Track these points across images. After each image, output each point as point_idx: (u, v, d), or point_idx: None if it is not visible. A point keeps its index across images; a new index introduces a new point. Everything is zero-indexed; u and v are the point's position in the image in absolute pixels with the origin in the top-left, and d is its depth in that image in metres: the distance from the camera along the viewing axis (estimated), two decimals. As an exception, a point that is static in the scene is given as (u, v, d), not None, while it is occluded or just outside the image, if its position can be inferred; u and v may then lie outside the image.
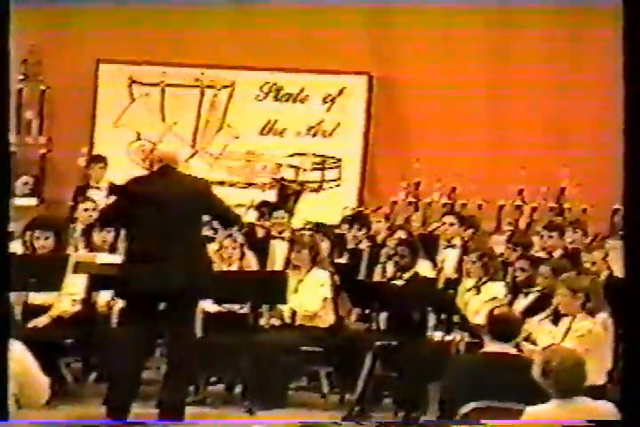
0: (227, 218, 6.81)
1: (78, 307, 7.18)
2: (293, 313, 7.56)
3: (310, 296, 7.58)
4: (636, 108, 4.11)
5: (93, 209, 8.52)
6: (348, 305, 7.90)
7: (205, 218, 6.98)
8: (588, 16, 10.76)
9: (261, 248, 8.65)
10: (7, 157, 4.20)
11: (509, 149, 10.98)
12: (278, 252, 8.63)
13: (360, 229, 9.03)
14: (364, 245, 8.85)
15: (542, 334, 6.31)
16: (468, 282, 7.65)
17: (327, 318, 7.59)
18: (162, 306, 6.45)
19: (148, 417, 6.31)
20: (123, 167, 10.74)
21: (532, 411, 4.66)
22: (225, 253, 7.96)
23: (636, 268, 4.04)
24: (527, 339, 6.15)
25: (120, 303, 7.13)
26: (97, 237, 7.78)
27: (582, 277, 6.50)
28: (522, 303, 7.08)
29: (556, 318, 6.40)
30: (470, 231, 8.97)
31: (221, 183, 11.13)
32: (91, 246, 7.82)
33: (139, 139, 11.61)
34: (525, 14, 10.98)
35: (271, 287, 7.37)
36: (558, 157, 10.59)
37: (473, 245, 8.22)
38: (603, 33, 10.26)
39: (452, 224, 8.86)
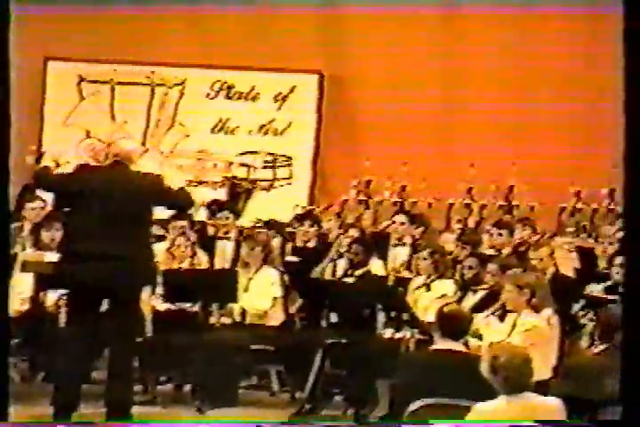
0: (179, 202, 6.74)
1: (26, 306, 7.11)
2: (243, 312, 7.54)
3: (260, 295, 7.57)
4: (636, 108, 4.15)
5: (41, 208, 8.44)
6: (299, 303, 7.91)
7: (159, 214, 6.94)
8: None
9: (212, 247, 8.62)
10: (6, 159, 4.18)
11: (459, 148, 11.07)
12: (225, 251, 8.60)
13: (311, 226, 9.03)
14: (313, 242, 8.85)
15: (489, 330, 6.36)
16: (418, 280, 7.69)
17: (277, 317, 7.58)
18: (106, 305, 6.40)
19: (95, 417, 6.26)
20: (72, 166, 10.64)
21: (479, 407, 4.70)
22: (177, 252, 7.93)
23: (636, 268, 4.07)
24: (475, 336, 6.19)
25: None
26: (45, 235, 7.72)
27: (528, 273, 6.57)
28: (471, 301, 7.13)
29: (502, 314, 6.46)
30: (420, 229, 9.01)
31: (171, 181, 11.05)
32: (38, 245, 7.76)
33: (88, 137, 11.52)
34: (474, 16, 11.07)
35: (222, 286, 7.35)
36: (507, 156, 10.68)
37: (423, 243, 8.27)
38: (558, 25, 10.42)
39: (402, 223, 8.89)
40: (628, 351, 4.03)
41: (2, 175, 4.18)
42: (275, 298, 7.57)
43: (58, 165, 10.21)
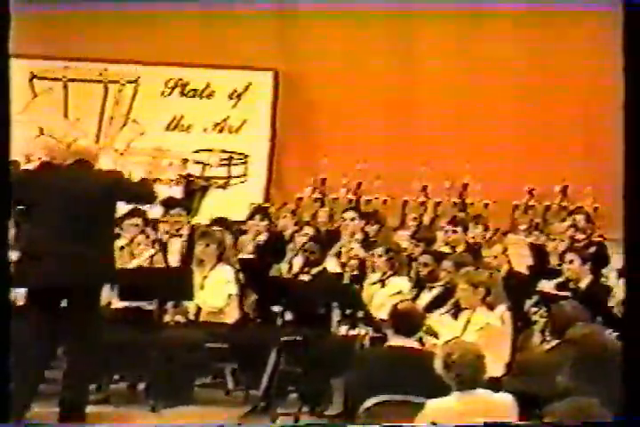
0: (143, 194, 6.70)
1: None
2: (198, 310, 7.52)
3: (215, 293, 7.55)
4: (636, 108, 4.18)
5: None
6: (254, 301, 7.89)
7: (122, 209, 6.90)
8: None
9: (166, 245, 8.59)
10: (7, 160, 4.14)
11: (413, 146, 11.12)
12: (178, 248, 8.56)
13: (262, 221, 9.00)
14: (264, 237, 8.83)
15: (443, 327, 6.40)
16: (373, 277, 7.71)
17: (232, 315, 7.57)
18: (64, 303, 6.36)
19: (49, 417, 6.21)
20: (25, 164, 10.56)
21: (433, 404, 4.73)
22: (136, 250, 7.90)
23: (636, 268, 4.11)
24: (429, 333, 6.23)
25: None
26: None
27: (481, 271, 6.62)
28: (425, 298, 7.16)
29: (456, 311, 6.50)
30: (375, 227, 9.03)
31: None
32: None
33: (42, 134, 11.42)
34: (428, 14, 11.12)
35: (177, 284, 7.32)
36: (461, 154, 10.75)
37: (379, 240, 8.29)
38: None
39: (352, 219, 8.91)
40: (628, 351, 4.08)
41: (2, 175, 4.18)
42: (229, 295, 7.55)
43: (28, 161, 10.14)
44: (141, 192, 6.64)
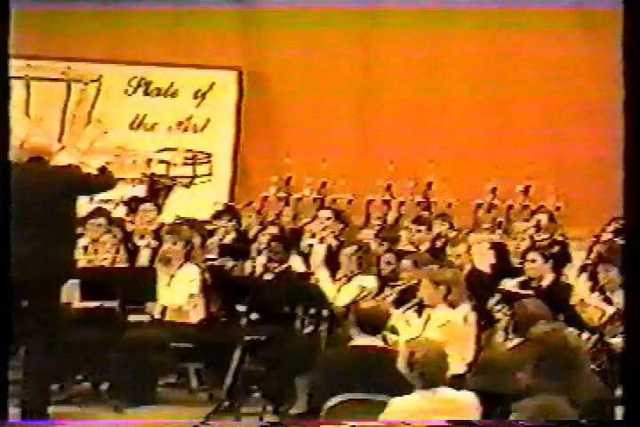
0: (101, 183, 6.64)
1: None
2: (163, 309, 7.50)
3: (179, 292, 7.53)
4: (637, 108, 4.21)
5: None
6: (219, 300, 7.88)
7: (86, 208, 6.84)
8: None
9: (132, 244, 8.55)
10: (7, 161, 4.09)
11: (378, 145, 11.15)
12: (145, 247, 8.53)
13: (229, 221, 9.00)
14: (231, 237, 8.83)
15: (407, 325, 6.42)
16: (339, 275, 7.71)
17: (197, 314, 7.55)
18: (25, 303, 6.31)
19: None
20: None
21: (396, 402, 4.75)
22: (102, 249, 7.86)
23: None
24: (392, 331, 6.24)
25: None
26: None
27: (444, 269, 6.65)
28: (389, 296, 7.18)
29: (419, 309, 6.52)
30: (341, 226, 9.05)
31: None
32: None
33: (3, 133, 11.31)
34: (393, 12, 11.14)
35: (140, 283, 7.30)
36: (425, 153, 10.79)
37: (347, 240, 8.30)
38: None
39: (328, 218, 8.92)
40: (628, 352, 4.11)
41: (2, 176, 4.15)
42: (191, 295, 7.52)
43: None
44: (98, 182, 6.58)
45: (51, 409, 6.28)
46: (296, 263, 8.11)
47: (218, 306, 7.86)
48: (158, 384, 7.36)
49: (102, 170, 6.60)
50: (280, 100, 11.46)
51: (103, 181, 6.60)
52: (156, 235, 8.46)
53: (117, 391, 6.97)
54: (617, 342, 6.21)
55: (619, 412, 3.91)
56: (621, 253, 7.56)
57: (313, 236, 8.82)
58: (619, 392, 3.91)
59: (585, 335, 6.23)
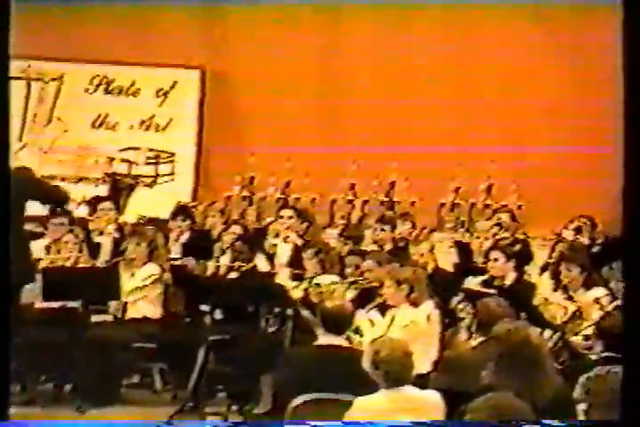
0: (54, 197, 6.61)
1: None
2: (124, 309, 7.46)
3: (137, 289, 7.50)
4: (637, 107, 4.23)
5: None
6: (182, 300, 7.85)
7: (37, 210, 6.79)
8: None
9: (94, 243, 8.50)
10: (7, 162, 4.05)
11: (341, 144, 11.15)
12: (107, 246, 8.48)
13: (184, 221, 8.96)
14: (186, 237, 8.79)
15: (371, 325, 6.44)
16: (305, 275, 7.72)
17: (155, 313, 7.51)
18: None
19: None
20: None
21: (360, 401, 4.77)
22: (64, 249, 7.81)
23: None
24: (356, 332, 6.26)
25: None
26: None
27: (405, 268, 6.67)
28: (352, 296, 7.19)
29: (383, 309, 6.55)
30: (304, 225, 9.06)
31: (51, 178, 10.88)
32: None
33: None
34: (356, 13, 11.17)
35: (103, 283, 7.27)
36: (388, 152, 10.82)
37: (310, 240, 8.31)
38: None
39: (290, 217, 8.92)
40: (628, 352, 4.14)
41: (2, 175, 4.12)
42: (137, 288, 7.45)
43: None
44: (53, 194, 6.55)
45: (13, 410, 6.23)
46: (260, 263, 8.11)
47: (181, 306, 7.84)
48: (122, 385, 7.33)
49: (56, 187, 6.57)
50: (243, 99, 11.43)
51: (56, 194, 6.57)
52: (118, 234, 8.42)
53: (80, 392, 6.93)
54: (578, 340, 6.28)
55: (579, 410, 3.95)
56: (584, 252, 7.68)
57: (277, 235, 8.82)
58: (578, 391, 3.95)
59: (547, 334, 6.29)
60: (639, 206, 4.18)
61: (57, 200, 6.74)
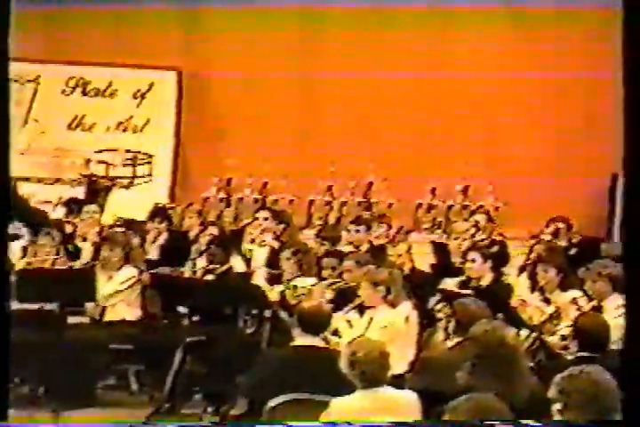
0: (31, 220, 6.59)
1: None
2: (102, 311, 7.44)
3: (116, 292, 7.48)
4: (637, 107, 4.24)
5: None
6: (159, 302, 7.83)
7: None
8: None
9: (73, 245, 8.48)
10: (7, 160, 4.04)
11: (318, 146, 11.17)
12: (86, 248, 8.46)
13: (161, 223, 8.94)
14: (164, 238, 8.77)
15: (348, 326, 6.43)
16: (283, 277, 7.70)
17: (133, 315, 7.49)
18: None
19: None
20: None
21: (337, 402, 4.77)
22: (41, 251, 7.78)
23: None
24: (334, 332, 6.26)
25: None
26: None
27: (382, 269, 6.67)
28: (329, 297, 7.19)
29: (360, 310, 6.55)
30: (282, 226, 9.05)
31: (27, 179, 10.84)
32: None
33: None
34: (332, 13, 11.17)
35: (79, 285, 7.24)
36: (365, 153, 10.84)
37: (287, 242, 8.30)
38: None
39: (265, 219, 8.91)
40: (628, 352, 4.14)
41: (2, 175, 4.11)
42: (117, 291, 7.43)
43: None
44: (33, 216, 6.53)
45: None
46: (237, 264, 8.09)
47: (159, 307, 7.82)
48: (98, 386, 7.30)
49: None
50: (220, 100, 11.42)
51: (36, 215, 6.53)
52: (99, 236, 8.40)
53: (56, 394, 6.89)
54: (555, 340, 6.30)
55: (554, 410, 3.95)
56: (560, 254, 7.71)
57: (253, 238, 8.80)
58: (552, 391, 3.95)
59: (523, 334, 6.31)
60: (639, 206, 4.20)
61: (38, 223, 6.72)
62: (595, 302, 6.60)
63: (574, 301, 6.67)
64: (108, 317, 7.47)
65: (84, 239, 8.52)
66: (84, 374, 7.04)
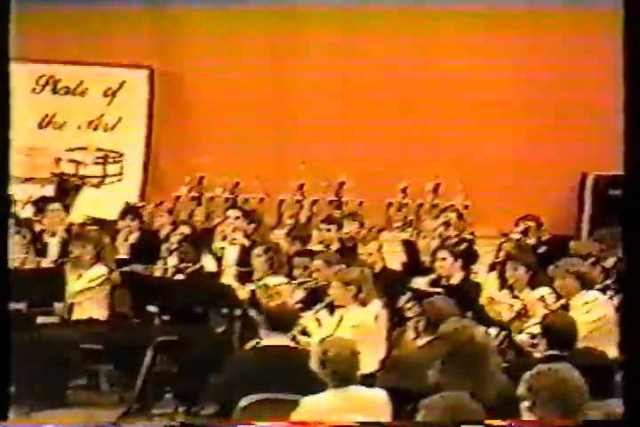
0: None
1: None
2: (70, 310, 7.40)
3: (84, 290, 7.45)
4: (637, 107, 4.25)
5: None
6: (129, 301, 7.80)
7: None
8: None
9: (41, 244, 8.44)
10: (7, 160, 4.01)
11: (290, 145, 11.17)
12: (55, 248, 8.42)
13: (132, 221, 8.90)
14: (135, 237, 8.74)
15: (318, 325, 6.44)
16: (254, 275, 7.70)
17: (102, 315, 7.46)
18: None
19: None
20: None
21: (308, 401, 4.78)
22: (10, 250, 7.70)
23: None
24: (303, 332, 6.27)
25: None
26: None
27: (352, 268, 6.68)
28: (299, 296, 7.20)
29: (331, 309, 6.56)
30: (253, 226, 9.04)
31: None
32: None
33: None
34: (306, 13, 11.18)
35: (48, 284, 7.20)
36: (336, 152, 10.85)
37: (258, 240, 8.29)
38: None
39: (237, 217, 8.90)
40: (628, 352, 4.16)
41: (2, 175, 4.08)
42: (82, 290, 7.40)
43: None
44: None
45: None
46: (208, 263, 8.08)
47: (129, 307, 7.79)
48: (68, 386, 7.27)
49: None
50: (192, 99, 11.40)
51: None
52: (66, 235, 8.35)
53: (26, 394, 6.85)
54: (523, 338, 6.34)
55: (523, 407, 3.98)
56: (529, 252, 7.75)
57: (225, 236, 8.79)
58: (521, 389, 3.98)
59: (493, 332, 6.34)
60: (638, 207, 4.22)
61: None
62: (563, 300, 6.64)
63: (542, 298, 6.72)
64: (75, 315, 7.42)
65: (53, 235, 8.47)
66: (55, 374, 7.01)
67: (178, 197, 10.82)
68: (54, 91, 11.35)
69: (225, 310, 7.35)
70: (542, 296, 6.74)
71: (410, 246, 8.47)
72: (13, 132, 12.14)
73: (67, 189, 10.74)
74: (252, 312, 7.00)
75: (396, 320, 6.89)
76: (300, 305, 6.65)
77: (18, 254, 7.77)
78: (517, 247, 7.80)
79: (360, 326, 6.32)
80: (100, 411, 6.95)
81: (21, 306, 7.23)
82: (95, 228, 8.42)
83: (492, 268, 8.00)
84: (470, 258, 8.01)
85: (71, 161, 11.28)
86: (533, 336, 6.11)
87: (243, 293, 7.45)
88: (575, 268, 6.71)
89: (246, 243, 8.55)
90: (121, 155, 11.43)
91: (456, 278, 7.43)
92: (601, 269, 7.71)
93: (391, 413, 4.82)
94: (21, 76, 11.29)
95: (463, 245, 8.35)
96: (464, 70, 11.01)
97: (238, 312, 7.22)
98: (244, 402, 5.04)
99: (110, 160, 11.41)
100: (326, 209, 10.57)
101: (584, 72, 10.83)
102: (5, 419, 3.94)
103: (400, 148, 10.99)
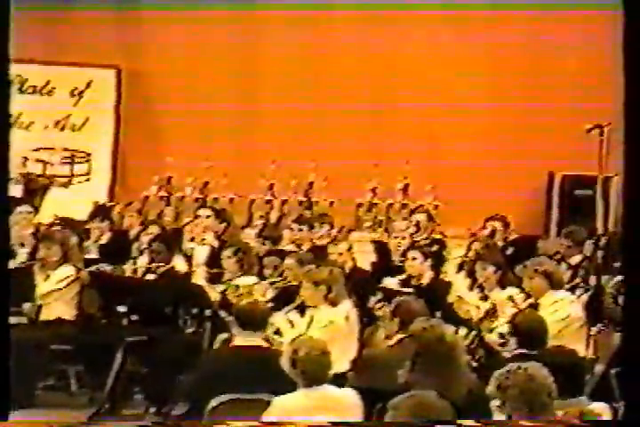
0: None
1: None
2: (38, 310, 7.36)
3: (52, 291, 7.41)
4: (637, 107, 4.26)
5: None
6: (98, 302, 7.77)
7: None
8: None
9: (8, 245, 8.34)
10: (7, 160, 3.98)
11: (260, 145, 11.17)
12: (24, 249, 8.35)
13: (102, 222, 8.87)
14: (106, 238, 8.71)
15: (289, 325, 6.45)
16: (224, 276, 7.68)
17: (71, 315, 7.42)
18: None
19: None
20: None
21: (278, 401, 4.78)
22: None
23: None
24: (276, 332, 6.27)
25: None
26: None
27: (322, 269, 6.68)
28: (271, 296, 7.20)
29: (302, 309, 6.56)
30: (223, 225, 9.03)
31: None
32: None
33: None
34: (272, 14, 11.18)
35: (16, 285, 7.13)
36: (306, 152, 10.86)
37: (228, 241, 8.28)
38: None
39: (207, 217, 8.89)
40: (628, 352, 4.17)
41: (2, 175, 4.07)
42: (50, 291, 7.36)
43: None
44: None
45: None
46: (178, 263, 8.06)
47: (98, 307, 7.75)
48: (37, 387, 7.22)
49: None
50: (160, 98, 11.37)
51: None
52: (34, 236, 8.29)
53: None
54: (493, 337, 6.37)
55: (493, 406, 4.01)
56: (498, 251, 7.80)
57: (194, 237, 8.77)
58: (491, 388, 4.01)
59: (462, 332, 6.38)
60: (638, 207, 4.25)
61: None
62: (532, 300, 6.69)
63: (511, 298, 6.76)
64: (43, 316, 7.38)
65: (20, 240, 8.41)
66: (24, 375, 6.95)
67: (147, 197, 10.78)
68: (21, 90, 11.27)
69: (195, 311, 7.33)
70: (511, 296, 6.78)
71: (380, 246, 8.50)
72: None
73: (34, 190, 10.66)
74: (222, 313, 7.01)
75: (367, 320, 6.92)
76: (271, 304, 6.63)
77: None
78: (486, 247, 7.84)
79: (330, 326, 6.33)
80: (69, 412, 6.92)
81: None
82: (61, 228, 8.37)
83: (461, 267, 8.04)
84: (440, 258, 8.05)
85: (38, 161, 11.21)
86: (503, 336, 6.15)
87: (213, 293, 7.44)
88: (543, 267, 6.75)
89: (215, 244, 8.54)
90: (88, 154, 11.38)
91: (426, 278, 7.45)
92: (567, 266, 7.78)
93: (362, 413, 4.83)
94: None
95: (433, 246, 8.39)
96: (432, 72, 11.07)
97: (208, 313, 7.20)
98: (214, 402, 5.04)
99: (78, 160, 11.36)
100: (296, 209, 10.57)
101: (549, 73, 10.92)
102: (6, 419, 3.91)
103: (369, 148, 11.02)
